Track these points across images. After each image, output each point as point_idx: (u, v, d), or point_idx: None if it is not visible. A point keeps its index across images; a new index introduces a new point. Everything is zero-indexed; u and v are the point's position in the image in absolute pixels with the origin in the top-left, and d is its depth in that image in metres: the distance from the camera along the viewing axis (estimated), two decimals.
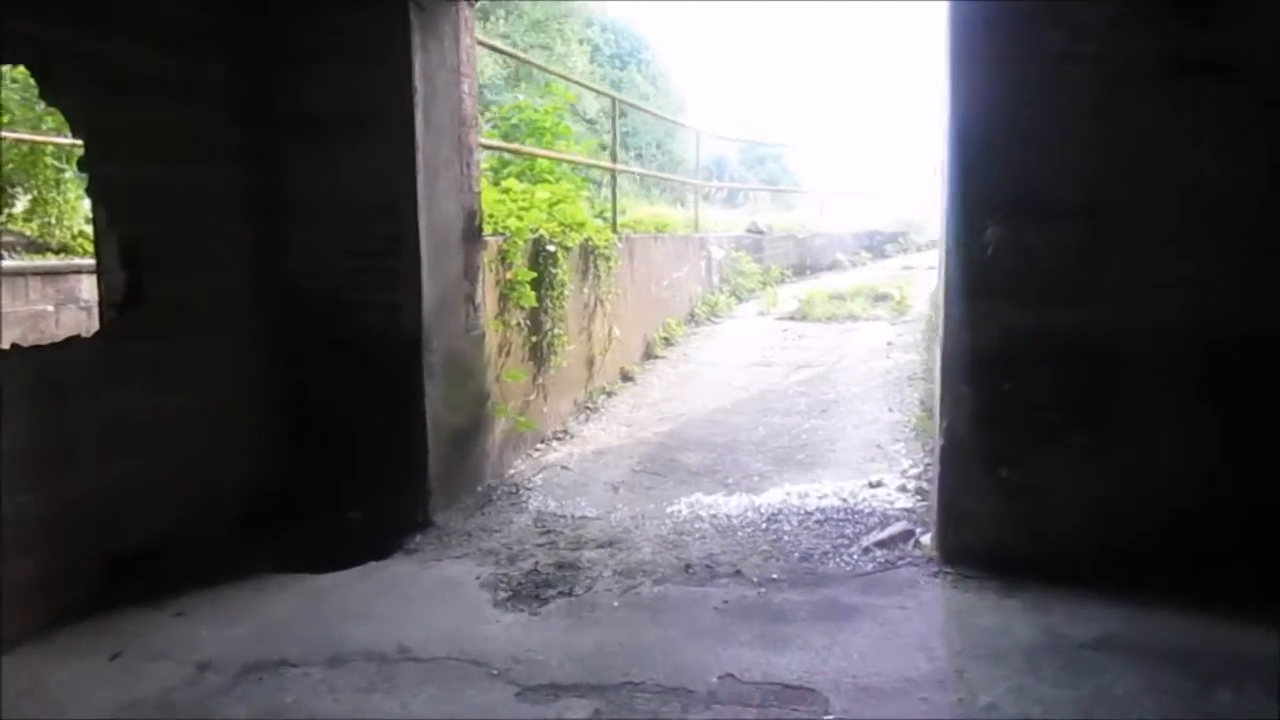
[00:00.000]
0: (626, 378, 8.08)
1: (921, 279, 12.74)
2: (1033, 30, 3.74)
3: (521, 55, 8.40)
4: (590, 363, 7.29)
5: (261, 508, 4.59)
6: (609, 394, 7.54)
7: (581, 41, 27.56)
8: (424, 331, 4.68)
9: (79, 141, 9.18)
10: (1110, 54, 3.70)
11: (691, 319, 10.64)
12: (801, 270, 14.72)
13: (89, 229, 9.53)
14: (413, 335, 4.67)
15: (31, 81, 9.43)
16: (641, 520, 4.81)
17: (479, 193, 5.32)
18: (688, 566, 4.18)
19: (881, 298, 11.68)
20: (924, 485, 5.03)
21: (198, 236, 4.32)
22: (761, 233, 13.88)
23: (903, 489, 5.09)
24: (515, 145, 7.25)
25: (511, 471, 5.66)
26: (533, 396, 6.10)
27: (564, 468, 5.76)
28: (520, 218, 5.82)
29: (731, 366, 8.63)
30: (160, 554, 4.00)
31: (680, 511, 4.93)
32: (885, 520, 4.65)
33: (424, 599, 3.88)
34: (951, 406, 3.99)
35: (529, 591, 3.94)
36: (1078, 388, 3.83)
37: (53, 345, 3.72)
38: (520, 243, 5.75)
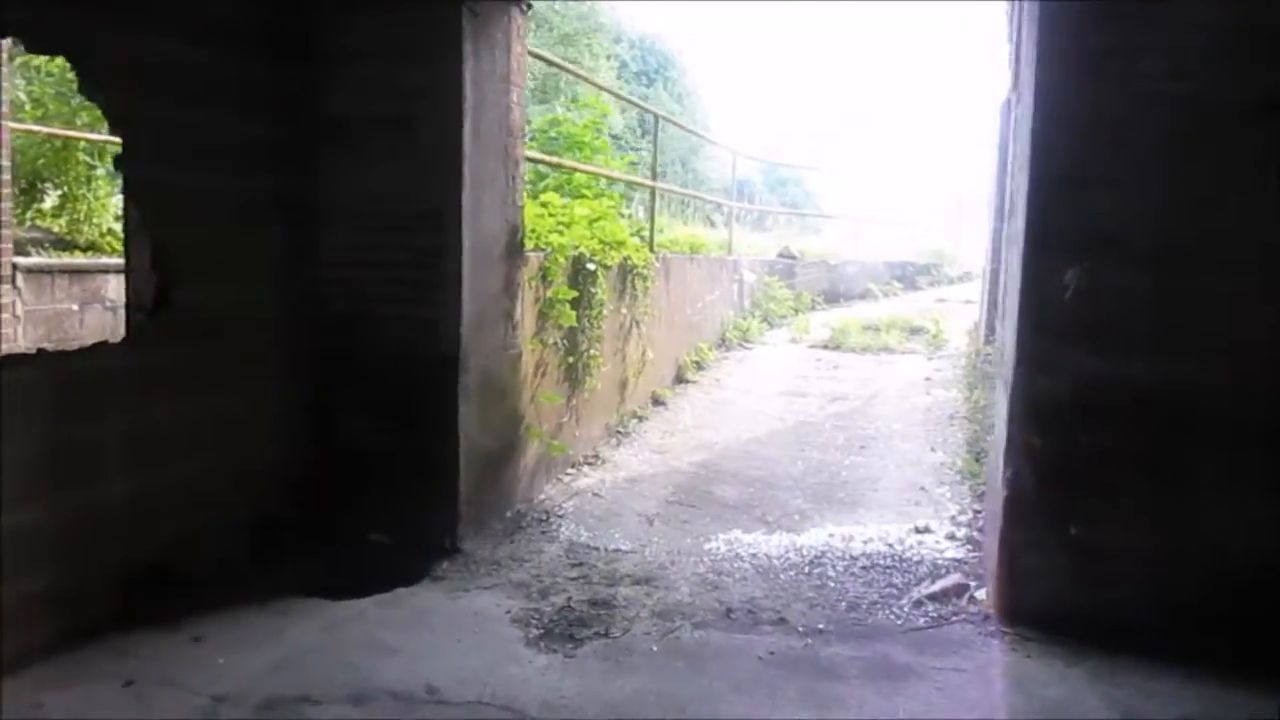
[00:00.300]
0: (658, 402, 7.88)
1: (957, 313, 12.51)
2: (1121, 65, 3.53)
3: (570, 67, 8.23)
4: (623, 386, 7.10)
5: (282, 526, 4.40)
6: (640, 418, 7.33)
7: (609, 57, 27.56)
8: (461, 349, 4.50)
9: (112, 138, 9.08)
10: (1202, 92, 3.49)
11: (723, 343, 10.44)
12: (832, 298, 14.51)
13: (118, 227, 9.47)
14: (449, 352, 4.49)
15: (66, 76, 9.44)
16: (678, 556, 4.60)
17: (522, 206, 5.14)
18: (729, 611, 3.96)
19: (916, 330, 11.45)
20: (975, 535, 4.79)
21: (227, 241, 4.15)
22: (794, 258, 13.68)
23: (951, 537, 4.85)
24: (558, 159, 7.08)
25: (542, 497, 5.45)
26: (566, 419, 5.91)
27: (596, 495, 5.55)
28: (562, 233, 5.64)
29: (765, 395, 8.42)
30: (178, 572, 3.82)
31: (718, 549, 4.71)
32: (935, 571, 4.42)
33: (452, 633, 3.67)
34: (1017, 456, 3.76)
35: (562, 630, 3.73)
36: (1155, 442, 3.59)
37: (79, 351, 3.55)
38: (561, 260, 5.57)
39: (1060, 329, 3.63)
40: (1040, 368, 3.67)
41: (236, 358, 4.22)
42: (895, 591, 4.20)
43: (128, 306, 3.91)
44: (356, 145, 4.49)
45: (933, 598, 4.09)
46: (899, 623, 3.90)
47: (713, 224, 14.67)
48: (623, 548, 4.71)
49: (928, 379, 9.05)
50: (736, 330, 10.90)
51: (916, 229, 21.66)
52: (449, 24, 4.33)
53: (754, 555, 4.63)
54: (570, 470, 5.97)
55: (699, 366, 9.23)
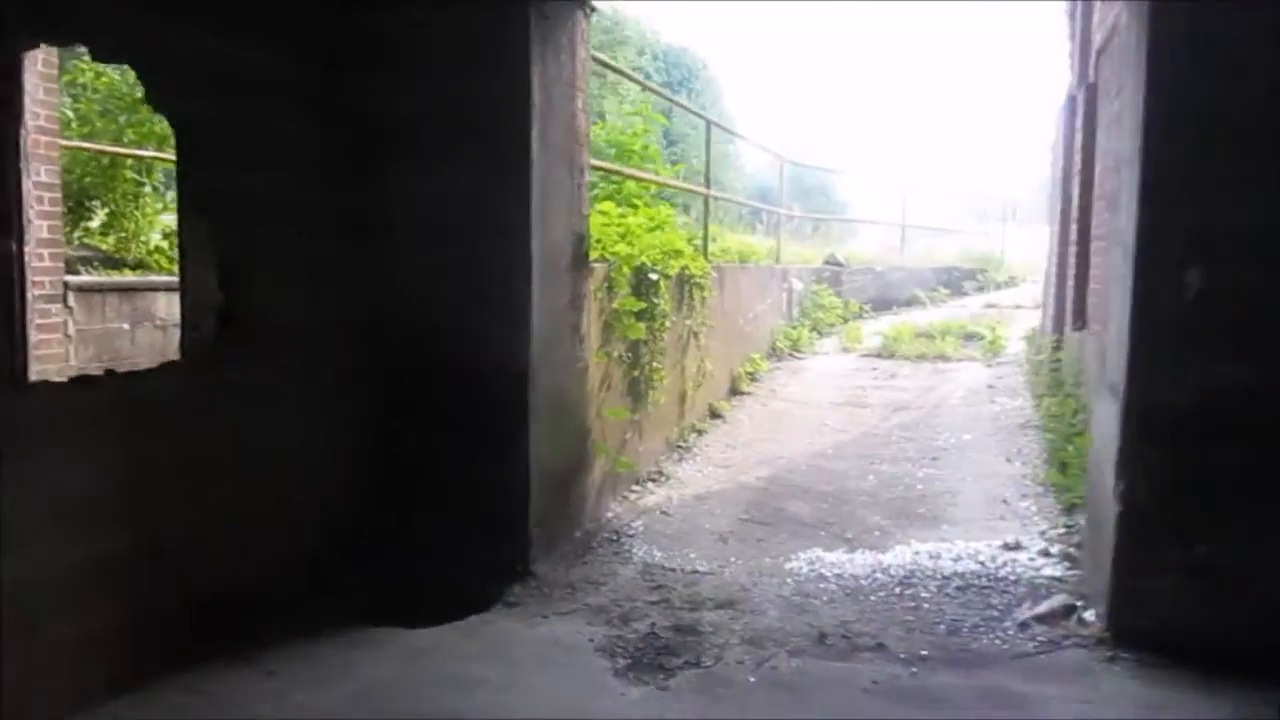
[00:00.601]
0: (715, 415, 7.68)
1: (1011, 318, 12.21)
2: (1246, 55, 3.30)
3: (630, 74, 8.06)
4: (682, 399, 6.91)
5: (349, 550, 4.24)
6: (699, 432, 7.14)
7: (634, 69, 27.49)
8: (531, 364, 4.33)
9: (160, 154, 9.02)
10: None
11: (774, 353, 10.23)
12: (879, 305, 14.23)
13: (165, 245, 9.42)
14: (518, 368, 4.32)
15: (113, 94, 9.43)
16: (759, 578, 4.39)
17: (587, 216, 4.98)
18: (822, 636, 3.75)
19: (971, 337, 11.17)
20: (1071, 551, 4.54)
21: (292, 255, 4.02)
22: (841, 265, 13.44)
23: (1046, 554, 4.60)
24: (618, 167, 6.90)
25: (609, 515, 5.27)
26: (629, 435, 5.72)
27: (664, 513, 5.36)
28: (630, 243, 5.47)
29: (824, 406, 8.19)
30: (244, 600, 3.66)
31: (800, 569, 4.50)
32: (1034, 591, 4.18)
33: (535, 664, 3.49)
34: (1132, 470, 3.52)
35: (650, 659, 3.53)
36: None
37: (147, 371, 3.41)
38: (626, 270, 5.39)
39: (1181, 334, 3.39)
40: (1158, 376, 3.43)
41: (301, 377, 4.08)
42: (996, 614, 3.97)
43: (182, 324, 3.77)
44: (424, 154, 4.33)
45: (1039, 620, 3.85)
46: (1005, 648, 3.67)
47: (752, 231, 14.46)
48: (700, 569, 4.51)
49: (990, 387, 8.77)
50: (787, 340, 10.68)
51: (960, 234, 21.30)
52: (518, 27, 4.18)
53: (839, 576, 4.41)
54: (635, 487, 5.78)
55: (752, 378, 9.02)
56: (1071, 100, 8.10)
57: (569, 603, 4.08)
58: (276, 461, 3.90)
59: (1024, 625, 3.83)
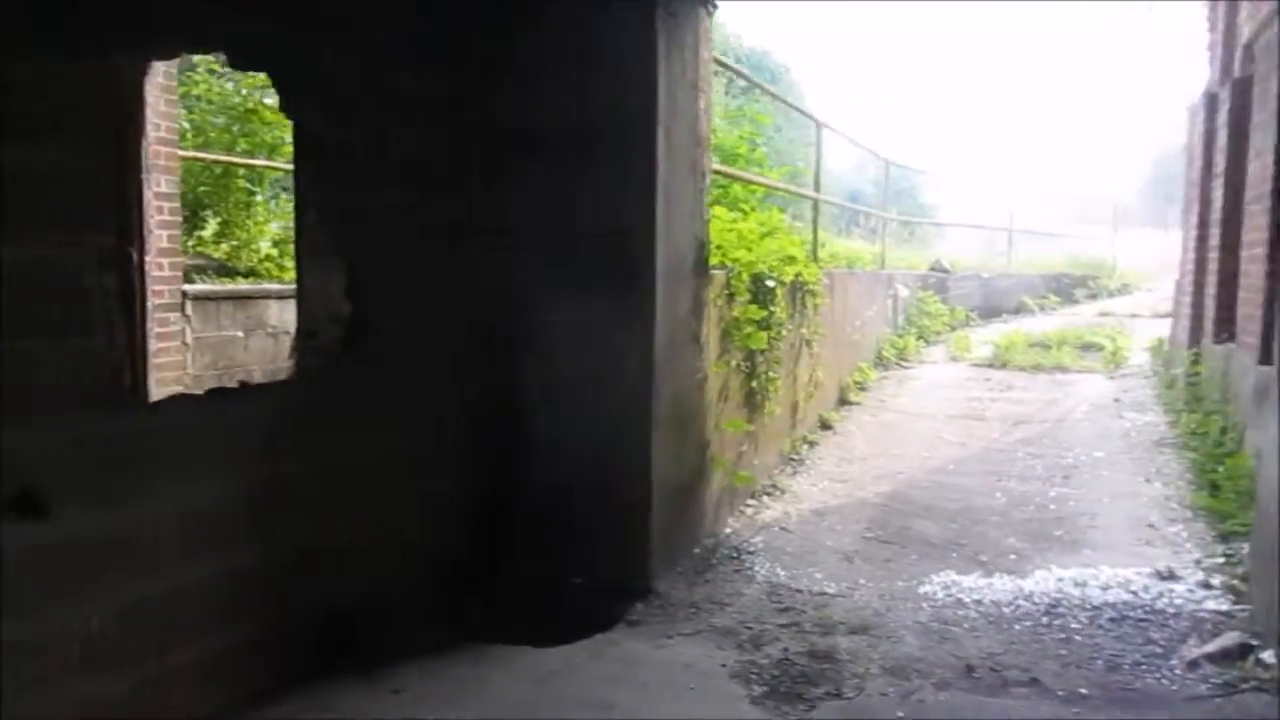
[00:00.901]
0: (825, 426, 7.44)
1: (1129, 328, 11.64)
2: None
3: (748, 74, 7.86)
4: (794, 409, 6.69)
5: (464, 566, 4.16)
6: (811, 444, 6.91)
7: (715, 73, 27.23)
8: (654, 376, 4.18)
9: (271, 164, 9.18)
10: None
11: (880, 362, 9.92)
12: (986, 313, 13.73)
13: (275, 253, 9.59)
14: (641, 380, 4.18)
15: (228, 104, 9.64)
16: (891, 601, 4.16)
17: (708, 221, 4.82)
18: (970, 668, 3.51)
19: (1089, 347, 10.66)
20: (1236, 584, 4.19)
21: (411, 265, 3.94)
22: (947, 271, 13.02)
23: (1206, 585, 4.26)
24: (733, 170, 6.73)
25: (727, 531, 5.09)
26: (745, 447, 5.53)
27: (784, 529, 5.16)
28: (750, 249, 5.29)
29: (938, 418, 7.87)
30: (365, 616, 3.58)
31: (935, 593, 4.25)
32: (1198, 625, 3.86)
33: (667, 689, 3.33)
34: None
35: (788, 688, 3.35)
36: None
37: (277, 384, 3.38)
38: (745, 277, 5.22)
39: None
40: None
41: (421, 387, 4.00)
42: (1158, 650, 3.66)
43: (298, 333, 3.73)
44: (542, 159, 4.23)
45: (1210, 659, 3.53)
46: (1174, 689, 3.38)
47: (848, 236, 14.12)
48: (828, 590, 4.30)
49: (1116, 400, 8.33)
50: (893, 348, 10.35)
51: (1066, 239, 20.51)
52: (643, 26, 4.05)
53: (978, 602, 4.15)
54: (750, 501, 5.59)
55: (861, 387, 8.75)
56: (1211, 97, 7.63)
57: (694, 623, 3.92)
58: (397, 473, 3.83)
59: (1193, 664, 3.53)
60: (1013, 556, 4.74)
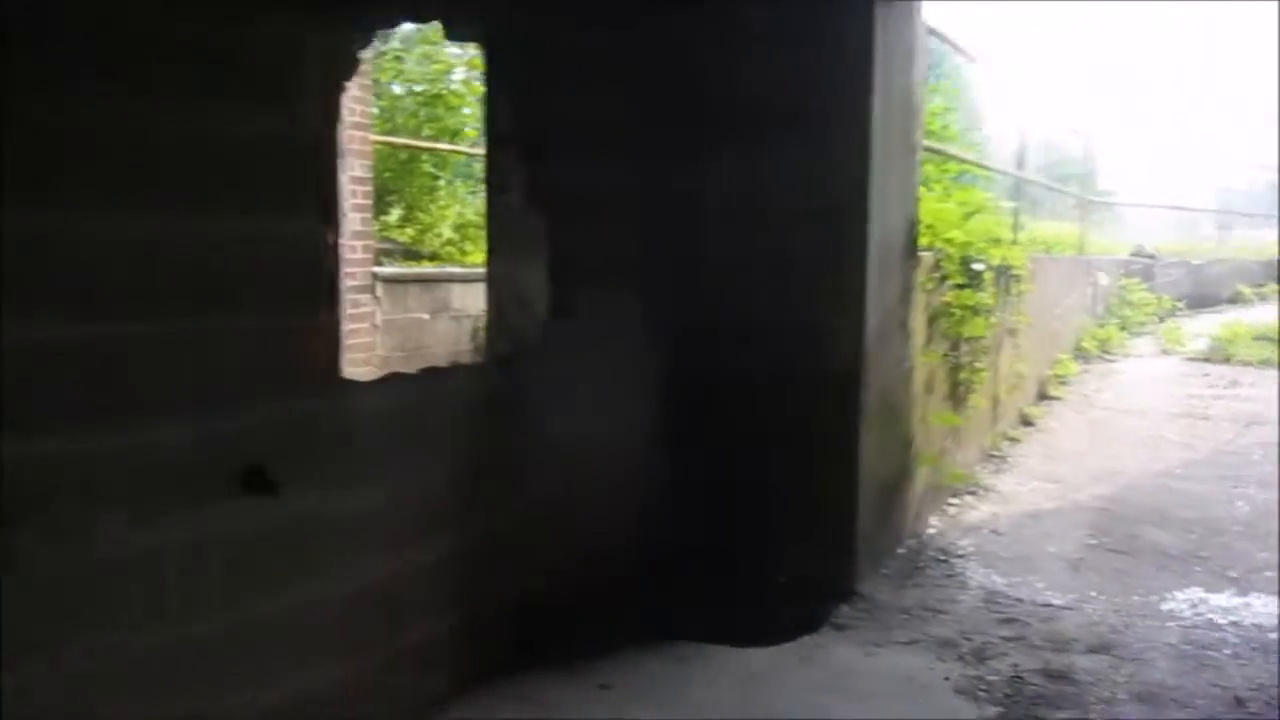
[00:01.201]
0: (1026, 422, 6.94)
1: None
2: None
3: (955, 42, 7.35)
4: (995, 403, 6.24)
5: (659, 558, 4.00)
6: (1012, 440, 6.45)
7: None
8: (862, 364, 3.91)
9: (456, 148, 9.31)
10: None
11: (1079, 354, 9.22)
12: (1197, 302, 12.62)
13: (456, 237, 9.75)
14: (849, 368, 3.91)
15: (413, 90, 9.84)
16: (1130, 618, 3.75)
17: (919, 199, 4.49)
18: (1239, 701, 3.08)
19: None
20: None
21: (607, 245, 3.80)
22: (1151, 258, 12.04)
23: None
24: (936, 145, 6.32)
25: (930, 532, 4.76)
26: (948, 442, 5.17)
27: (994, 532, 4.78)
28: (963, 229, 4.92)
29: (1155, 416, 7.21)
30: (561, 607, 3.47)
31: (1182, 611, 3.81)
32: None
33: (886, 701, 3.07)
34: None
35: (1023, 711, 3.03)
36: None
37: (475, 365, 3.30)
38: (955, 260, 4.85)
39: None
40: None
41: (613, 374, 3.86)
42: None
43: (488, 317, 3.63)
44: (745, 133, 4.01)
45: None
46: None
47: (1032, 218, 13.21)
48: (1054, 601, 3.92)
49: None
50: (1094, 339, 9.62)
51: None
52: None
53: (1235, 624, 3.68)
54: (953, 501, 5.22)
55: (1061, 381, 8.14)
56: None
57: (907, 630, 3.63)
58: (591, 462, 3.70)
59: None
60: (1269, 573, 4.21)
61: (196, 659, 2.21)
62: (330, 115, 2.57)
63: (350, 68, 2.66)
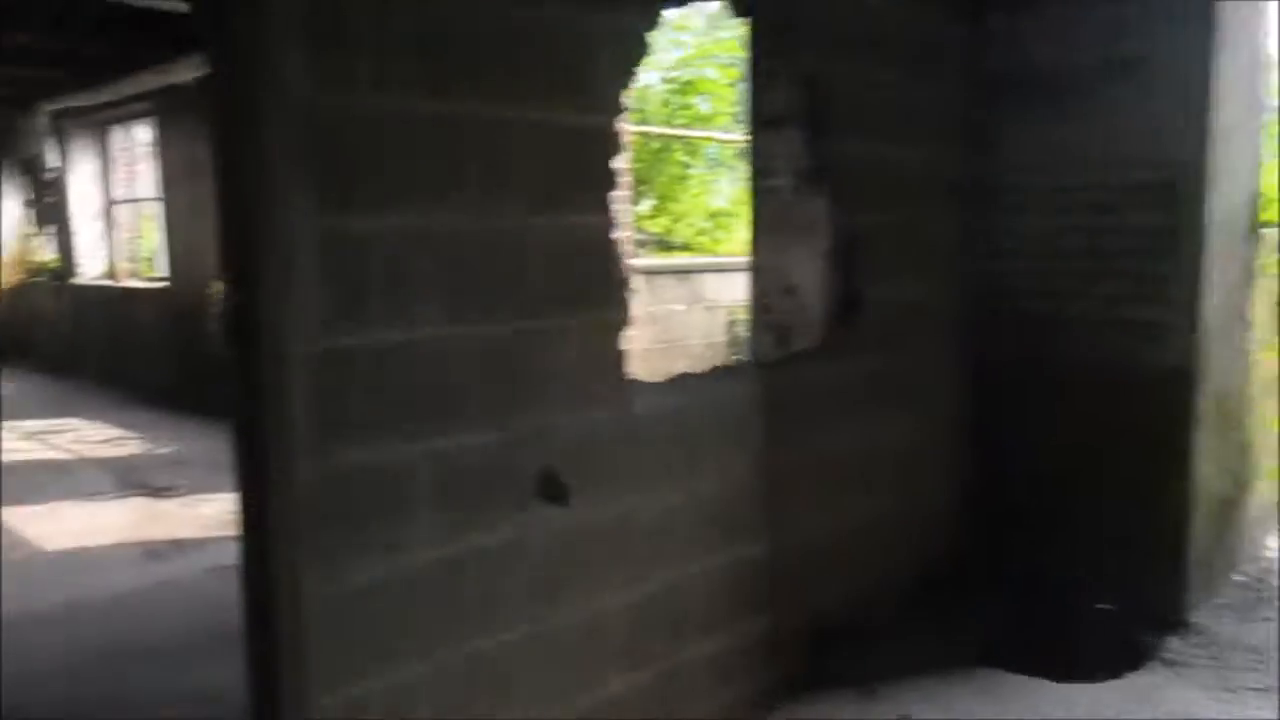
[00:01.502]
0: None
1: None
2: None
3: None
4: None
5: (962, 575, 3.67)
6: None
7: None
8: (1198, 360, 3.39)
9: (708, 134, 9.16)
10: None
11: None
12: None
13: (708, 226, 9.66)
14: (1181, 365, 3.41)
15: (665, 80, 9.79)
16: None
17: (1264, 166, 3.85)
18: None
19: None
20: None
21: (904, 230, 3.50)
22: None
23: None
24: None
25: (1270, 555, 4.10)
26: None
27: None
28: None
29: None
30: (852, 623, 3.21)
31: None
32: None
33: None
34: None
35: None
36: None
37: (774, 363, 3.09)
38: None
39: None
40: None
41: (909, 371, 3.56)
42: None
43: (756, 306, 3.40)
44: (1052, 104, 3.60)
45: None
46: None
47: None
48: None
49: None
50: None
51: None
52: None
53: None
54: None
55: None
56: None
57: (1262, 675, 3.11)
58: (889, 467, 3.43)
59: None
60: None
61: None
62: (621, 103, 2.46)
63: (640, 52, 2.54)
